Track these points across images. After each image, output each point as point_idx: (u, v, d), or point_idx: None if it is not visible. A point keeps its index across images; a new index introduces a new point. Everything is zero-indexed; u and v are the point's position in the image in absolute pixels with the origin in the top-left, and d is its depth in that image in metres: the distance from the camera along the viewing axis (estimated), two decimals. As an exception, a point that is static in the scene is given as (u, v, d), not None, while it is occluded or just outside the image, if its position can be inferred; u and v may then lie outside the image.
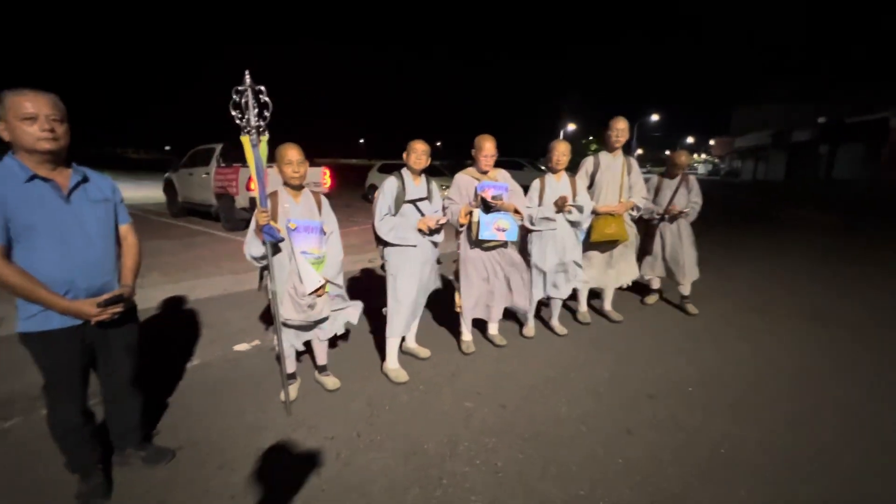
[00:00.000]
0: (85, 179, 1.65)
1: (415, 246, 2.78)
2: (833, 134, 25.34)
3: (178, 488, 1.87)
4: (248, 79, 2.08)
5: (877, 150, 22.83)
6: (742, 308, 4.18)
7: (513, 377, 2.87)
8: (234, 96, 2.08)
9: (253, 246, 2.24)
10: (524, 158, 17.00)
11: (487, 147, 2.88)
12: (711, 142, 50.60)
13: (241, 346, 3.31)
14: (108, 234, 1.70)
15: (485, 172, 2.98)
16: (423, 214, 2.80)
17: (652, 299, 4.30)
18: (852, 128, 24.24)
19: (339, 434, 2.26)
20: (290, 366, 2.58)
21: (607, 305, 3.91)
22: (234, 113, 2.10)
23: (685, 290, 4.00)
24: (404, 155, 2.77)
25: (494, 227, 2.82)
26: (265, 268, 2.35)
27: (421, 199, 2.81)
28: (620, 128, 3.42)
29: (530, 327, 3.54)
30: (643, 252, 4.06)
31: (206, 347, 3.27)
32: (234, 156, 8.28)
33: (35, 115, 1.46)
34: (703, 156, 60.20)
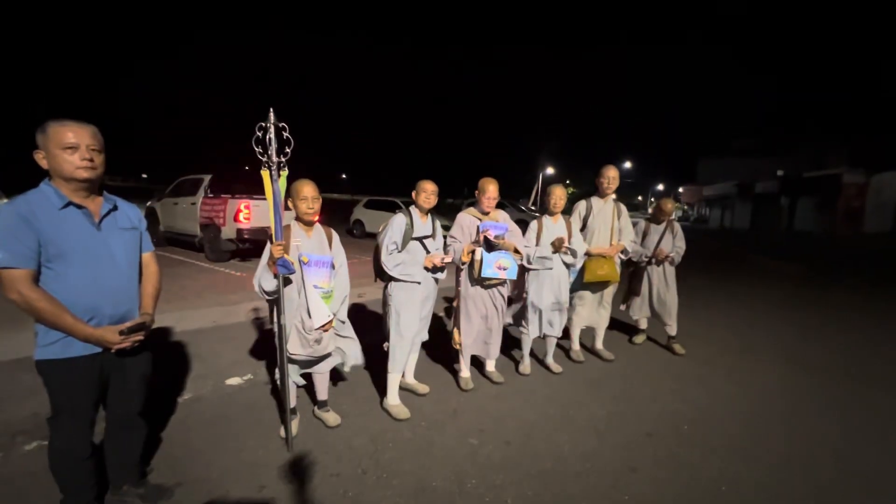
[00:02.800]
0: (115, 208, 1.69)
1: (419, 282, 2.84)
2: (792, 187, 27.12)
3: (179, 529, 1.79)
4: (272, 116, 2.18)
5: (832, 204, 24.50)
6: (724, 350, 4.35)
7: (514, 414, 2.89)
8: (258, 132, 2.17)
9: (265, 279, 2.25)
10: (505, 199, 17.54)
11: (491, 189, 3.04)
12: (680, 189, 53.28)
13: (234, 380, 3.22)
14: (133, 261, 1.72)
15: (486, 213, 3.12)
16: (428, 251, 2.89)
17: (640, 339, 4.43)
18: (810, 182, 26.02)
19: (344, 471, 2.22)
20: (292, 400, 2.53)
21: (598, 344, 4.01)
22: (256, 148, 2.18)
23: (671, 330, 4.15)
24: (413, 194, 2.89)
25: (496, 265, 2.93)
26: (273, 301, 2.36)
27: (427, 237, 2.90)
28: (612, 175, 3.66)
29: (526, 365, 3.59)
30: (631, 293, 4.23)
31: (197, 381, 3.17)
32: (222, 187, 8.29)
33: (76, 145, 1.50)
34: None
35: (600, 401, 3.12)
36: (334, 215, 16.03)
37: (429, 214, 2.96)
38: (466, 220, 3.17)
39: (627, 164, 37.46)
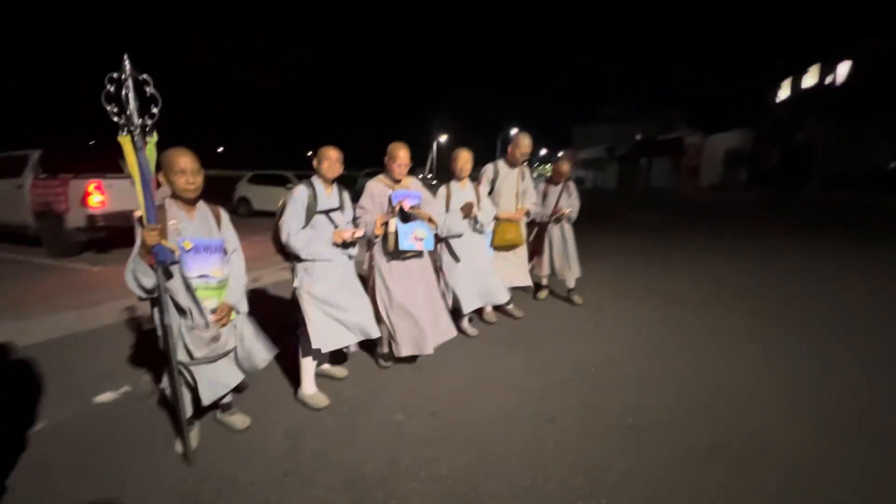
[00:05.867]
0: None
1: (330, 260, 2.60)
2: (647, 149, 31.33)
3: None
4: (127, 65, 1.71)
5: (678, 163, 28.93)
6: (616, 296, 4.86)
7: (436, 384, 2.88)
8: (109, 86, 1.69)
9: (141, 273, 1.84)
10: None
11: (402, 156, 2.84)
12: (560, 153, 58.05)
13: (106, 396, 2.70)
14: None
15: (397, 181, 2.94)
16: (336, 226, 2.64)
17: (543, 294, 4.73)
18: (661, 144, 30.30)
19: (261, 478, 1.99)
20: (188, 409, 2.17)
21: (508, 304, 4.17)
22: (108, 108, 1.71)
23: (570, 283, 4.49)
24: (314, 162, 2.59)
25: (413, 236, 2.80)
26: (155, 300, 1.95)
27: (333, 210, 2.65)
28: (527, 143, 3.75)
29: (443, 333, 3.58)
30: (534, 252, 4.46)
31: (54, 405, 2.58)
32: (59, 164, 6.74)
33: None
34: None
35: (515, 357, 3.26)
36: (214, 194, 14.29)
37: (334, 185, 2.69)
38: (377, 188, 2.95)
39: (513, 131, 39.45)
